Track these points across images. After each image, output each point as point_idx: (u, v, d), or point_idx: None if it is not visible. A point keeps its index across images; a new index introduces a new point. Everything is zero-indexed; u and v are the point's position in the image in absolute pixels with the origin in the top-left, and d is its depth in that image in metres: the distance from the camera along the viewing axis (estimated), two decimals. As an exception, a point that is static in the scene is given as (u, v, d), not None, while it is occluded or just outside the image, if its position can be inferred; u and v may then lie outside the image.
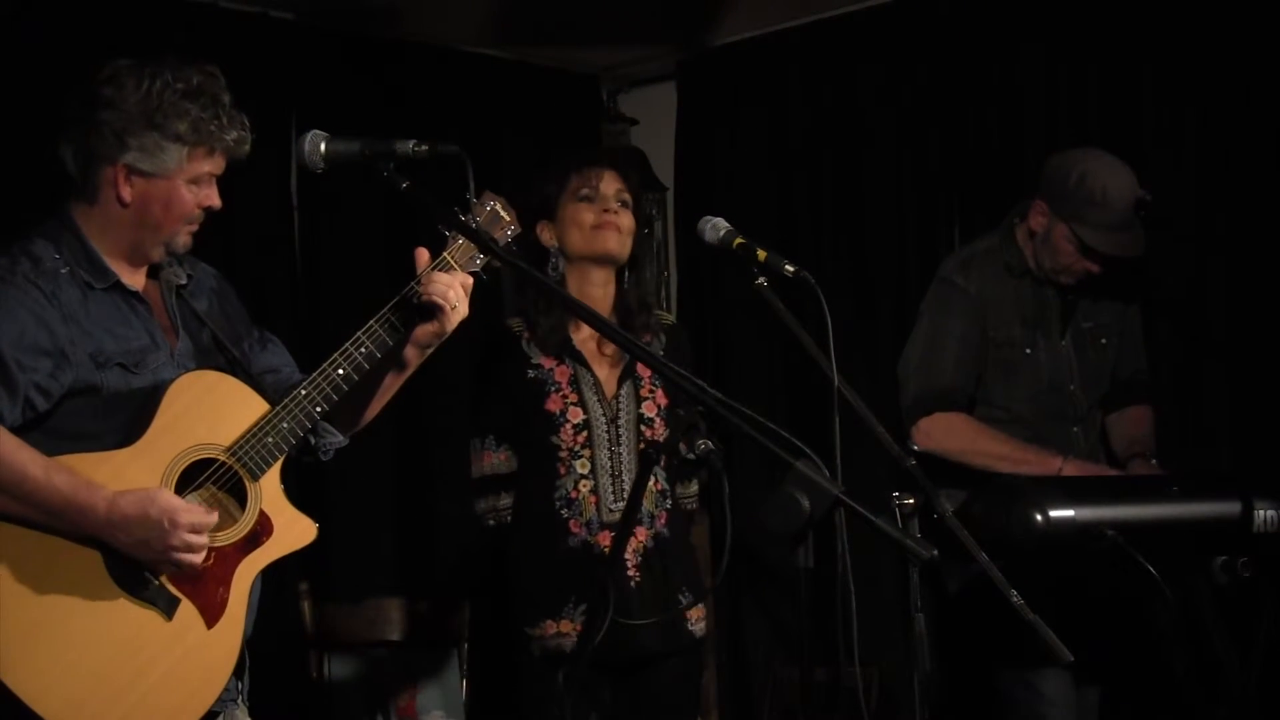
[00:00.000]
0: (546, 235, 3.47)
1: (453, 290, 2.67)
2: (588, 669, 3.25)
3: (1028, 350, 3.80)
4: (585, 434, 3.38)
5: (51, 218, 2.68)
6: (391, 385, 2.83)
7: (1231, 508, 3.34)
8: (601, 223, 3.44)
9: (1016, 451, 3.66)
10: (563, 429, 3.37)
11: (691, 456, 2.61)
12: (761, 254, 2.69)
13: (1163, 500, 3.38)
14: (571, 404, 3.39)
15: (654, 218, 5.48)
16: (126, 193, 2.62)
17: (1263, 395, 4.14)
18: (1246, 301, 4.21)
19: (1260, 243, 4.17)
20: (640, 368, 3.47)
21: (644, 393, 3.46)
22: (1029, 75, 4.66)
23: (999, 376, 3.80)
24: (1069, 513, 3.23)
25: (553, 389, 3.40)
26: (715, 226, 2.81)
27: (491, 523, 3.47)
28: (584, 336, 3.45)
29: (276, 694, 3.07)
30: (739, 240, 2.76)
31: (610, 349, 3.46)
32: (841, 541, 2.45)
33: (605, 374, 3.45)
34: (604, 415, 3.41)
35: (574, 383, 3.41)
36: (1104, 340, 3.87)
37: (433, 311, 2.68)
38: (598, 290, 3.47)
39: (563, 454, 3.37)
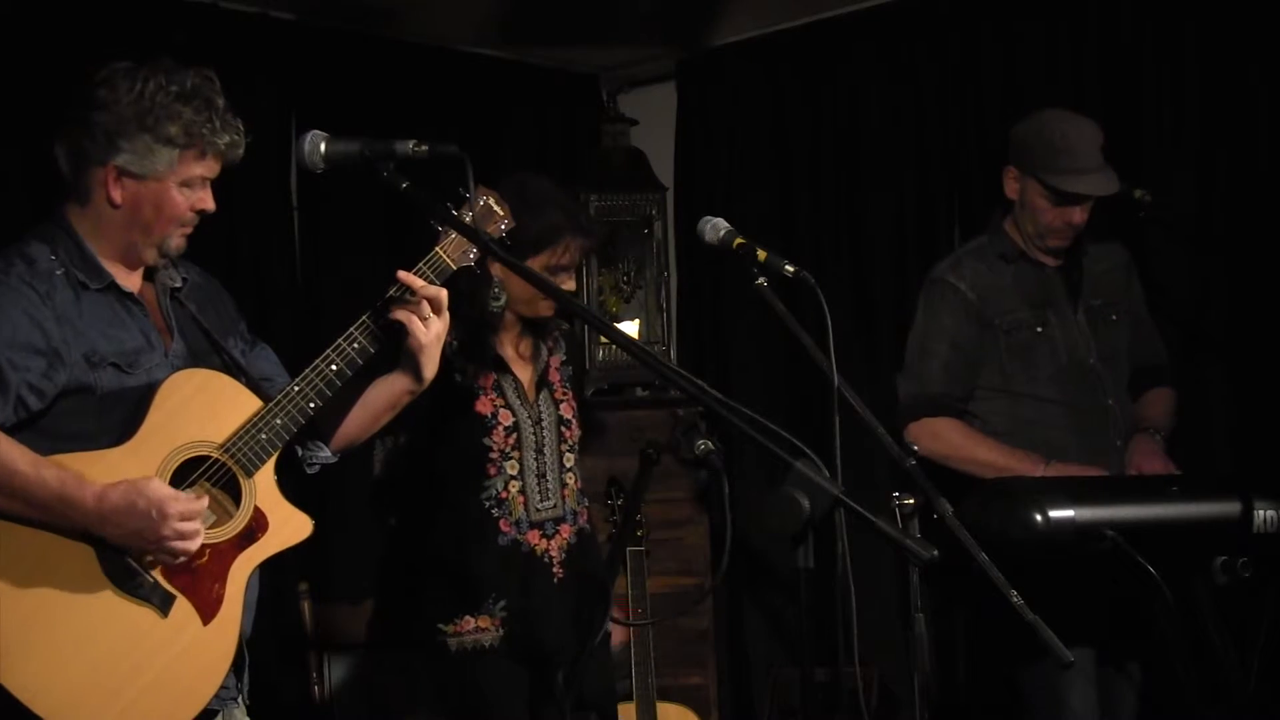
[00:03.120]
0: (499, 270, 3.28)
1: (424, 305, 2.68)
2: (506, 662, 3.37)
3: (1040, 329, 3.77)
4: (515, 436, 3.43)
5: (47, 219, 2.68)
6: (384, 404, 2.84)
7: (1231, 508, 3.34)
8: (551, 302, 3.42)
9: (1002, 459, 3.66)
10: (494, 431, 3.41)
11: (691, 456, 2.62)
12: (761, 254, 2.69)
13: (1163, 500, 3.38)
14: (500, 407, 3.43)
15: (654, 218, 5.47)
16: (117, 194, 2.62)
17: (1263, 395, 4.14)
18: (1246, 301, 4.21)
19: (1260, 243, 4.17)
20: (552, 373, 3.55)
21: (558, 395, 3.54)
22: (1029, 75, 4.67)
23: (1018, 363, 3.78)
24: (1069, 513, 3.22)
25: (479, 392, 3.43)
26: (715, 226, 2.81)
27: (394, 521, 3.52)
28: (502, 344, 3.48)
29: (276, 694, 3.07)
30: (739, 240, 2.76)
31: (526, 354, 3.51)
32: (841, 541, 2.45)
33: (525, 379, 3.50)
34: (529, 418, 3.47)
35: (498, 387, 3.44)
36: (1114, 316, 3.86)
37: (403, 328, 2.69)
38: (509, 330, 3.48)
39: (494, 455, 3.41)
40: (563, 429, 3.52)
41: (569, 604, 3.43)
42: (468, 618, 3.38)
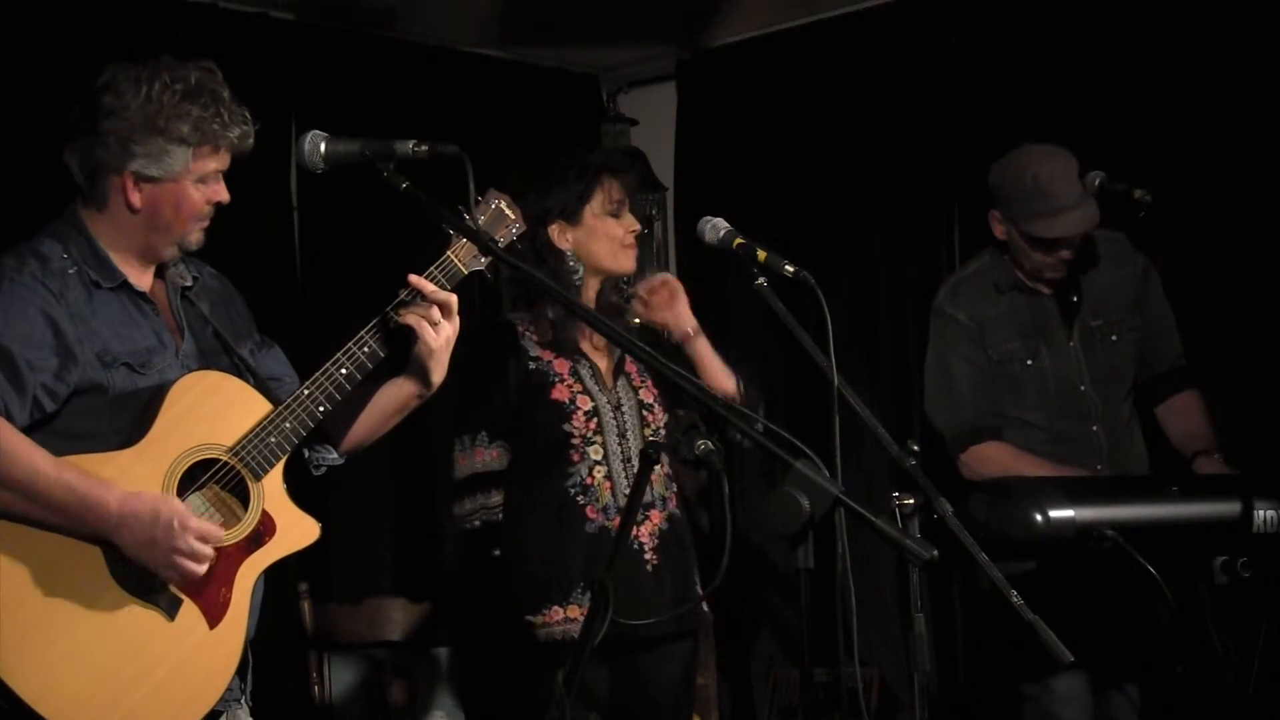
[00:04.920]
0: (563, 239, 3.43)
1: (434, 310, 2.68)
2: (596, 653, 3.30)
3: (1029, 361, 3.83)
4: (596, 420, 3.41)
5: (59, 218, 2.68)
6: (391, 414, 2.84)
7: (1231, 508, 3.34)
8: (630, 242, 3.46)
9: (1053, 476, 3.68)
10: (574, 416, 3.39)
11: (692, 457, 2.62)
12: (761, 254, 2.70)
13: (1163, 500, 3.38)
14: (578, 392, 3.42)
15: (654, 218, 5.48)
16: (136, 199, 2.62)
17: (1263, 395, 4.14)
18: (1246, 301, 4.21)
19: (1260, 243, 4.17)
20: (629, 363, 3.52)
21: (636, 382, 3.51)
22: (1029, 75, 4.67)
23: (1006, 392, 3.84)
24: (1069, 513, 3.23)
25: (556, 379, 3.41)
26: (715, 226, 2.81)
27: (478, 523, 3.46)
28: (579, 331, 3.47)
29: (277, 694, 3.08)
30: (739, 240, 2.76)
31: (601, 341, 3.50)
32: (841, 541, 2.45)
33: (602, 365, 3.48)
34: (609, 403, 3.44)
35: (575, 373, 3.44)
36: (1114, 336, 3.88)
37: (413, 332, 2.69)
38: (589, 293, 3.49)
39: (575, 441, 3.39)
40: (645, 413, 3.48)
41: (664, 592, 3.38)
42: (556, 608, 3.35)
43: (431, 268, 2.72)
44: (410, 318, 2.68)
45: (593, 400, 3.42)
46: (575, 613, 3.34)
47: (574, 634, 3.31)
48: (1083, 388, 3.83)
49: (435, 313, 2.69)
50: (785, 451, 2.31)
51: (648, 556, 3.41)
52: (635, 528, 3.39)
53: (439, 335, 2.70)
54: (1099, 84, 4.52)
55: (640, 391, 3.50)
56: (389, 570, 4.92)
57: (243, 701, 2.74)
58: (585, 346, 3.47)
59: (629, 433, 3.44)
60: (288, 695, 4.25)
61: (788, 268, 2.69)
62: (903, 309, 4.93)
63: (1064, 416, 3.82)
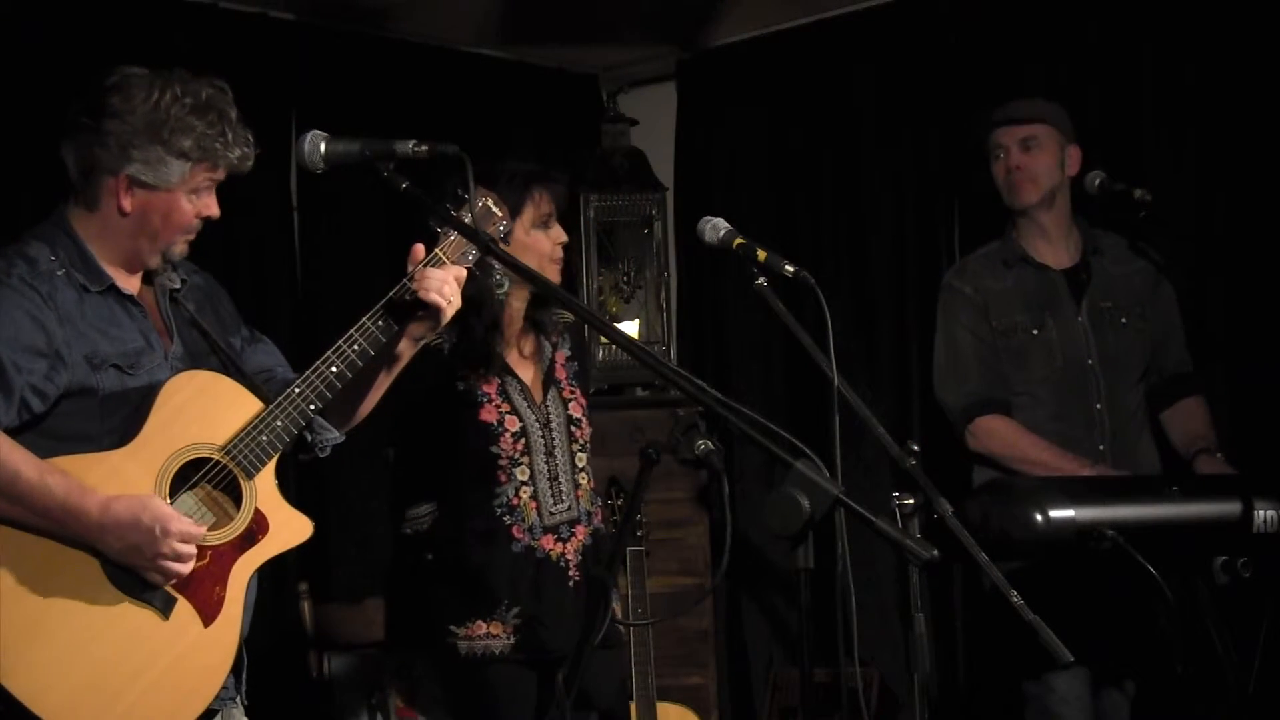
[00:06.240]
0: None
1: (447, 285, 2.68)
2: (516, 667, 3.35)
3: (1035, 332, 3.87)
4: (523, 441, 3.40)
5: (48, 219, 2.68)
6: (385, 380, 2.84)
7: (1231, 508, 3.34)
8: (558, 256, 3.43)
9: (1055, 460, 3.72)
10: (502, 438, 3.38)
11: (691, 456, 2.62)
12: (761, 254, 2.69)
13: (1163, 500, 3.38)
14: (506, 413, 3.40)
15: (654, 218, 5.48)
16: (127, 203, 2.62)
17: (1263, 395, 4.14)
18: (1246, 301, 4.21)
19: (1260, 244, 4.17)
20: (559, 370, 3.51)
21: (566, 394, 3.51)
22: (1029, 75, 4.67)
23: (1012, 363, 3.88)
24: (1069, 513, 3.22)
25: (484, 399, 3.39)
26: (715, 226, 2.81)
27: (409, 530, 3.48)
28: (505, 345, 3.45)
29: (276, 694, 3.08)
30: (739, 240, 2.76)
31: (530, 353, 3.48)
32: (841, 541, 2.45)
33: (530, 380, 3.47)
34: (537, 421, 3.43)
35: (503, 392, 3.41)
36: (1124, 320, 3.91)
37: (426, 307, 2.68)
38: (514, 306, 3.46)
39: (503, 462, 3.38)
40: (573, 429, 3.48)
41: (584, 607, 3.37)
42: (479, 622, 3.35)
43: (421, 263, 2.71)
44: (430, 293, 2.65)
45: (521, 420, 3.40)
46: (497, 629, 3.35)
47: (493, 649, 3.35)
48: (1090, 361, 3.85)
49: (448, 289, 2.68)
50: (785, 451, 2.31)
51: (571, 573, 3.42)
52: (562, 544, 3.42)
53: (452, 309, 2.70)
54: (1098, 84, 4.52)
55: (570, 405, 3.49)
56: (389, 571, 4.92)
57: (238, 700, 2.75)
58: (512, 359, 3.45)
59: (556, 450, 3.44)
60: (287, 695, 4.25)
61: (788, 268, 2.68)
62: (903, 309, 4.94)
63: (1070, 392, 3.85)
